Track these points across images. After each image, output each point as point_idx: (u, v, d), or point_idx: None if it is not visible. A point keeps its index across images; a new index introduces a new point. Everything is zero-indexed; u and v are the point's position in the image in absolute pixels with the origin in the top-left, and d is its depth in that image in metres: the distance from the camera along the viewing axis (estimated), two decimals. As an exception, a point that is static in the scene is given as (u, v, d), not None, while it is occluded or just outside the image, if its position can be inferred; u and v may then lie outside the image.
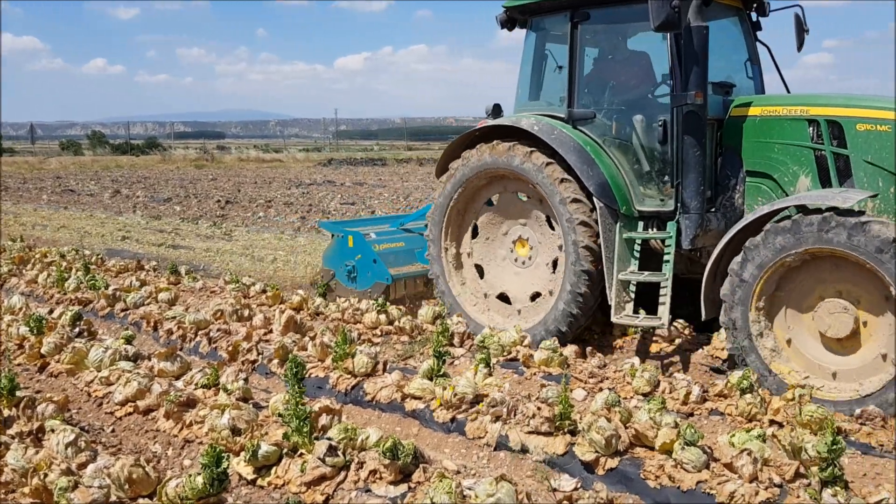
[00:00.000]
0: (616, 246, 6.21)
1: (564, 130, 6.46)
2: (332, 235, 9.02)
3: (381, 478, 3.89)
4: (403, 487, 3.85)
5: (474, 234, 7.25)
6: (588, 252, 6.21)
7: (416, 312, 7.55)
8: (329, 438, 4.20)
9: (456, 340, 6.73)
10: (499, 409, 4.71)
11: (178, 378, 5.61)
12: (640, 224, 6.35)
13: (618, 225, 6.24)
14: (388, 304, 7.49)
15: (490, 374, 5.56)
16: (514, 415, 4.66)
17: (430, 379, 5.29)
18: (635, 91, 6.87)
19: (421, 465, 3.97)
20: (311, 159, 55.59)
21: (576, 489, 3.80)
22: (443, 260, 7.27)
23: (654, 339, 6.58)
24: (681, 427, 4.08)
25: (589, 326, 7.08)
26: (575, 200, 6.24)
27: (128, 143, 68.95)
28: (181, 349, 6.75)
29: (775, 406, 4.77)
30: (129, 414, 5.07)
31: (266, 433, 4.43)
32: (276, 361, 6.17)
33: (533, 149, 6.40)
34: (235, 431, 4.48)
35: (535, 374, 5.78)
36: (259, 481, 4.07)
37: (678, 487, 3.82)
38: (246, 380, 5.39)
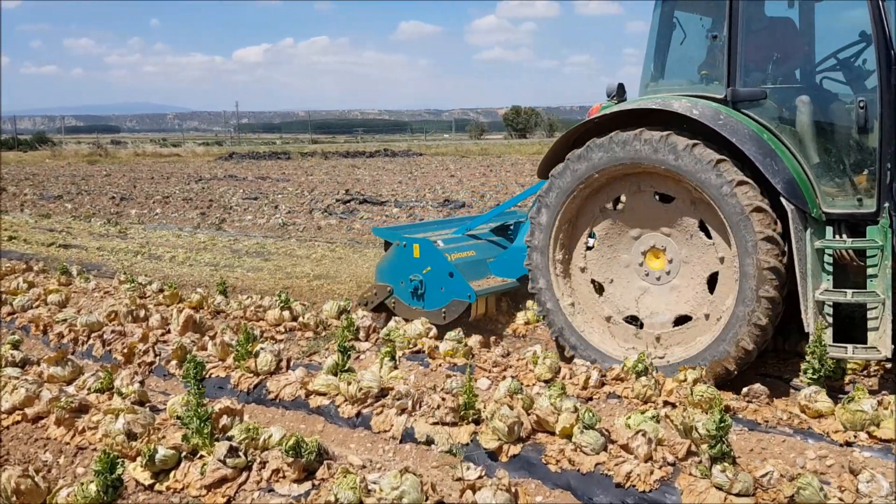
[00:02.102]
0: (808, 259, 4.98)
1: (732, 115, 5.25)
2: (387, 244, 7.57)
3: (284, 477, 3.84)
4: (307, 485, 3.81)
5: (589, 244, 6.04)
6: (774, 275, 4.92)
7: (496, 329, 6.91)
8: (230, 439, 4.11)
9: (362, 335, 6.70)
10: (404, 401, 4.72)
11: (69, 383, 5.38)
12: (829, 230, 5.12)
13: (808, 232, 5.02)
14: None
15: (396, 368, 5.56)
16: (420, 407, 4.69)
17: (335, 374, 5.25)
18: (812, 65, 5.71)
19: (325, 462, 3.94)
20: (211, 153, 54.19)
21: (480, 477, 3.84)
22: (551, 273, 5.96)
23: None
24: (580, 411, 4.19)
25: (495, 317, 7.20)
26: (758, 210, 4.92)
27: (14, 138, 65.39)
28: (73, 353, 6.48)
29: (668, 387, 4.97)
30: (17, 422, 4.83)
31: (164, 437, 4.30)
32: (174, 363, 6.00)
33: (696, 141, 5.12)
34: (131, 436, 4.33)
35: (440, 365, 5.82)
36: (157, 486, 3.95)
37: (578, 470, 3.92)
38: (142, 382, 5.22)
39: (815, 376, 4.63)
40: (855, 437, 4.14)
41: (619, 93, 6.16)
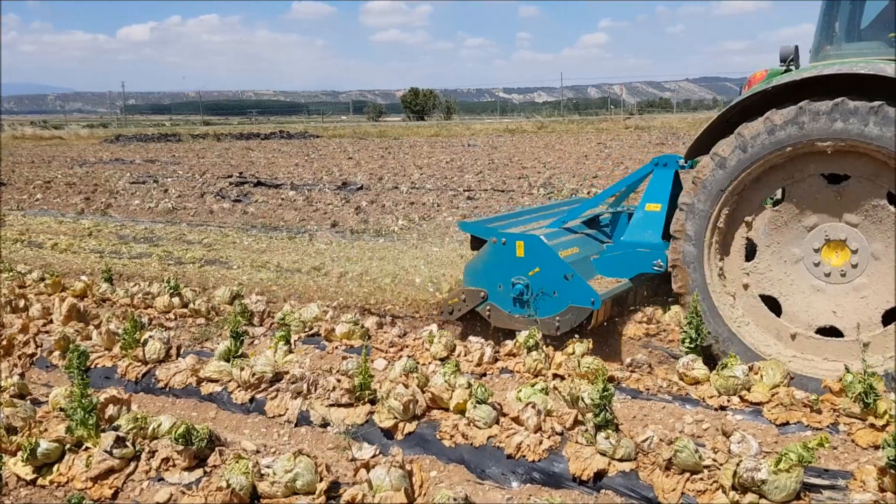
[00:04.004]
0: None
1: None
2: (474, 240, 6.52)
3: (174, 465, 3.78)
4: (199, 472, 3.76)
5: (748, 254, 5.09)
6: None
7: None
8: (117, 429, 4.00)
9: (256, 320, 6.61)
10: (299, 385, 4.70)
11: (-61, 380, 5.08)
12: None
13: None
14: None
15: (291, 352, 5.52)
16: (315, 389, 4.68)
17: (228, 360, 5.17)
18: None
19: (217, 449, 3.90)
20: (96, 136, 51.76)
21: (375, 456, 3.88)
22: (709, 288, 5.07)
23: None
24: (473, 387, 4.28)
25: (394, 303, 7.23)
26: None
27: None
28: (-56, 348, 6.10)
29: (558, 361, 5.13)
30: None
31: (46, 430, 4.14)
32: (57, 353, 5.75)
33: None
34: (11, 430, 4.16)
35: (336, 347, 5.81)
36: (40, 481, 3.82)
37: (471, 444, 4.02)
38: (22, 375, 5.03)
39: (692, 345, 4.88)
40: (728, 401, 4.39)
41: (796, 58, 5.54)
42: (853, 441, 3.85)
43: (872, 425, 3.90)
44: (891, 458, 3.18)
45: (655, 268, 5.74)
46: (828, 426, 4.00)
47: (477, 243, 6.45)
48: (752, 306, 5.06)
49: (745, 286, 5.06)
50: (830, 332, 4.80)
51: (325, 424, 4.48)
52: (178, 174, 23.34)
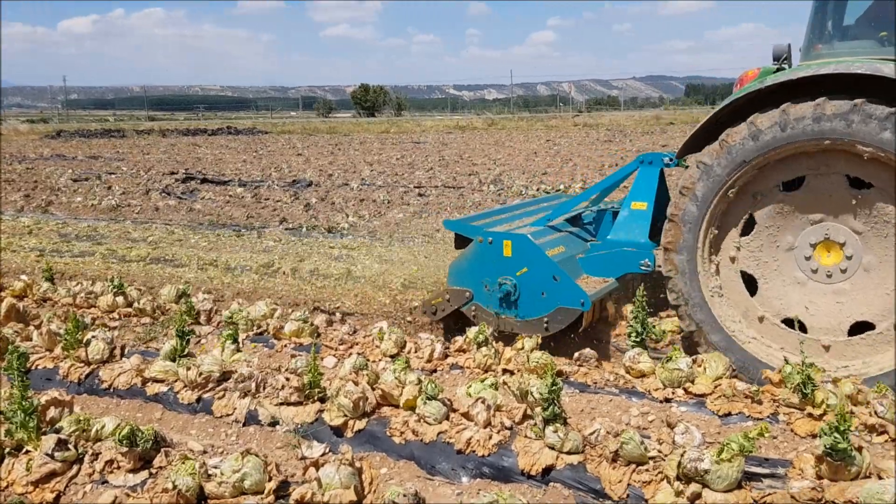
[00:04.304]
0: None
1: None
2: (458, 238, 6.35)
3: (119, 467, 3.70)
4: (144, 474, 3.69)
5: (744, 231, 5.09)
6: None
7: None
8: (59, 432, 3.90)
9: (202, 318, 6.51)
10: (247, 384, 4.64)
11: None
12: None
13: None
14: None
15: (239, 350, 5.46)
16: (264, 388, 4.63)
17: (174, 360, 5.07)
18: None
19: (163, 450, 3.83)
20: (36, 131, 50.29)
21: (324, 454, 3.86)
22: (698, 255, 5.06)
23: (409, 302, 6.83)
24: (423, 383, 4.29)
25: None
26: None
27: None
28: None
29: (507, 356, 5.17)
30: None
31: (-17, 434, 4.01)
32: (-6, 356, 5.57)
33: None
34: (-55, 436, 4.01)
35: (285, 345, 5.76)
36: (-23, 487, 3.69)
37: (421, 440, 4.03)
38: (-43, 379, 4.83)
39: (637, 339, 4.97)
40: (673, 393, 4.48)
41: (789, 56, 5.52)
42: (792, 430, 3.96)
43: (810, 415, 4.02)
44: (827, 447, 3.28)
45: (642, 267, 5.69)
46: (768, 416, 4.12)
47: (461, 242, 6.32)
48: (730, 280, 5.11)
49: (732, 259, 5.09)
50: (791, 326, 4.85)
51: (273, 423, 4.44)
52: (122, 171, 22.83)
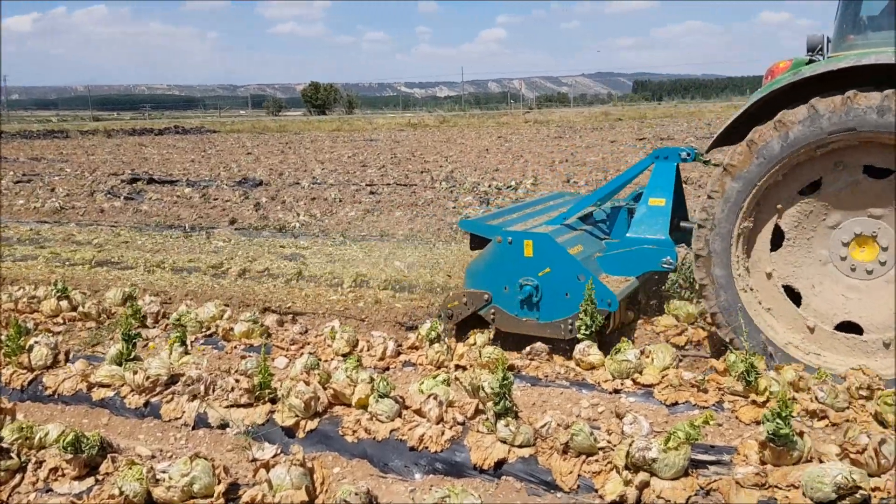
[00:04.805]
0: None
1: None
2: (474, 239, 6.08)
3: (63, 475, 3.63)
4: (90, 481, 3.62)
5: (774, 244, 4.86)
6: None
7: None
8: (0, 440, 3.80)
9: (150, 321, 6.39)
10: (196, 386, 4.58)
11: None
12: None
13: None
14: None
15: (187, 353, 5.37)
16: (213, 391, 4.56)
17: (120, 364, 4.97)
18: None
19: (109, 456, 3.76)
20: (-26, 133, 48.71)
21: (275, 455, 3.82)
22: (732, 262, 4.80)
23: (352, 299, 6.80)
24: (375, 382, 4.28)
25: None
26: None
27: None
28: None
29: (460, 352, 5.19)
30: None
31: (-81, 446, 3.88)
32: (-69, 364, 5.39)
33: None
34: None
35: (235, 347, 5.70)
36: (-86, 500, 3.58)
37: (374, 438, 4.02)
38: None
39: (587, 332, 5.03)
40: (622, 384, 4.56)
41: (824, 47, 5.28)
42: (737, 417, 4.06)
43: (754, 402, 4.12)
44: (770, 433, 3.37)
45: (664, 265, 5.53)
46: (713, 404, 4.21)
47: (477, 243, 6.06)
48: (779, 309, 4.88)
49: (769, 275, 4.89)
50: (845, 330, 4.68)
51: (224, 426, 4.39)
52: (65, 172, 22.26)
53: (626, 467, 3.44)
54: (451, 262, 8.50)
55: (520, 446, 3.77)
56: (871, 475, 3.27)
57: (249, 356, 5.20)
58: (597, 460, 3.59)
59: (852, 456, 3.34)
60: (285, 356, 5.49)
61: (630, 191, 7.31)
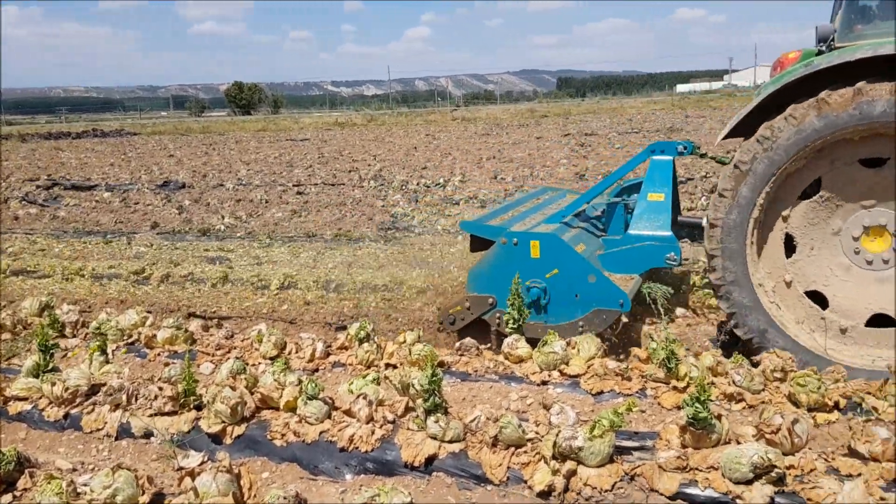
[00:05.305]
0: None
1: None
2: (475, 240, 5.93)
3: (-24, 494, 3.47)
4: (8, 498, 3.49)
5: (788, 250, 4.82)
6: None
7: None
8: None
9: (68, 331, 6.17)
10: (118, 396, 4.45)
11: None
12: None
13: None
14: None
15: (108, 362, 5.22)
16: (136, 400, 4.45)
17: (37, 376, 4.80)
18: None
19: (27, 471, 3.63)
20: None
21: (201, 463, 3.75)
22: (748, 258, 4.74)
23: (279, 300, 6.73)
24: (304, 384, 4.24)
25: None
26: None
27: None
28: None
29: (390, 350, 5.18)
30: None
31: None
32: None
33: None
34: None
35: (159, 354, 5.55)
36: None
37: (303, 441, 3.98)
38: None
39: (515, 326, 5.09)
40: (549, 376, 4.62)
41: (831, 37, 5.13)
42: (659, 404, 4.17)
43: (675, 388, 4.24)
44: (690, 417, 3.48)
45: (668, 261, 5.40)
46: (637, 392, 4.32)
47: (478, 245, 5.90)
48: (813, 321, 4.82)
49: (788, 283, 4.86)
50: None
51: (148, 435, 4.28)
52: (-25, 179, 21.31)
53: (554, 457, 3.50)
54: (381, 261, 8.49)
55: (450, 442, 3.79)
56: (785, 454, 3.41)
57: (173, 363, 5.07)
58: (525, 452, 3.64)
59: (767, 436, 3.48)
60: (211, 362, 5.38)
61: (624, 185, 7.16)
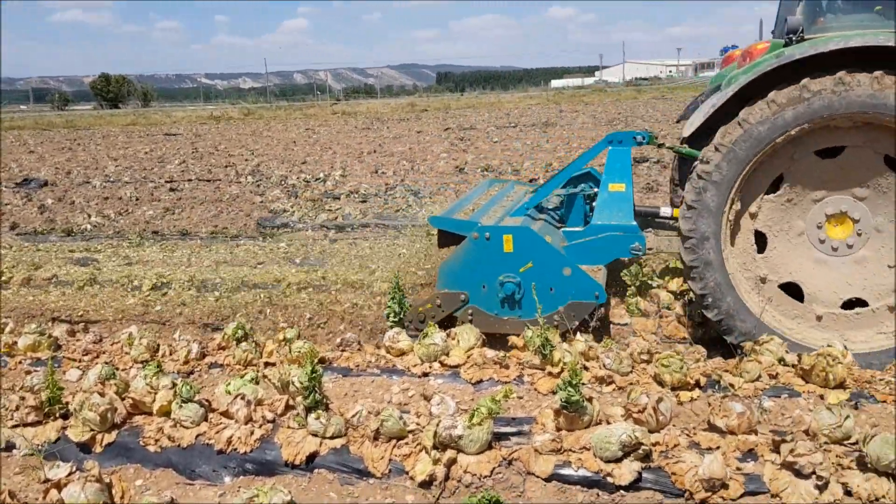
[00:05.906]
0: None
1: None
2: (442, 235, 5.79)
3: None
4: None
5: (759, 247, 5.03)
6: None
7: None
8: None
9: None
10: (-27, 408, 4.18)
11: None
12: None
13: None
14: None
15: (-38, 373, 4.88)
16: (-4, 411, 4.19)
17: None
18: None
19: None
20: None
21: (70, 474, 3.57)
22: (724, 242, 4.86)
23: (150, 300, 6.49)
24: (178, 386, 4.11)
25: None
26: None
27: None
28: None
29: (269, 349, 5.10)
30: None
31: None
32: None
33: None
34: None
35: (20, 362, 5.24)
36: None
37: (179, 445, 3.86)
38: None
39: (396, 319, 5.12)
40: (430, 367, 4.68)
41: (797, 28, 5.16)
42: (535, 389, 4.30)
43: (550, 373, 4.38)
44: (563, 400, 3.61)
45: (633, 251, 5.44)
46: (514, 379, 4.43)
47: (446, 240, 5.76)
48: (741, 254, 5.03)
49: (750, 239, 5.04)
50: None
51: (10, 448, 4.04)
52: None
53: (435, 447, 3.55)
54: (259, 258, 8.32)
55: (331, 438, 3.78)
56: (651, 431, 3.60)
57: (36, 371, 4.81)
58: (407, 443, 3.68)
59: (635, 415, 3.66)
60: (78, 368, 5.12)
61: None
